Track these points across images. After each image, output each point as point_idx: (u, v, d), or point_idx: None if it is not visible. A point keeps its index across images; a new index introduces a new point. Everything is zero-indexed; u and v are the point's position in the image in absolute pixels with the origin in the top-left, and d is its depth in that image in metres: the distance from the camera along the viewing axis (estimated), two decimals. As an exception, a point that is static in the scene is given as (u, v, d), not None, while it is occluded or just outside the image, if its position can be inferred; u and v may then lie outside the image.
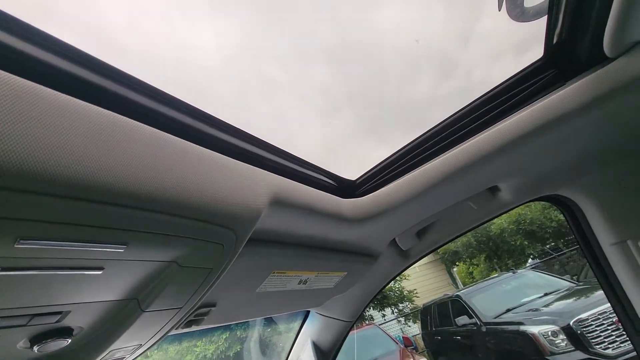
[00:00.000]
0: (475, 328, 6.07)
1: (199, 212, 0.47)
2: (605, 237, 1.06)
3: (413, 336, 11.16)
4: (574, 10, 0.67)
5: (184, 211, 0.45)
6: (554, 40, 0.75)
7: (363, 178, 0.97)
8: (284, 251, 0.81)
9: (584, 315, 4.35)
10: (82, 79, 0.46)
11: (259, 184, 0.60)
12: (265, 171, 0.65)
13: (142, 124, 0.44)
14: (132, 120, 0.43)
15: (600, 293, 4.85)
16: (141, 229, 0.42)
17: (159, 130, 0.46)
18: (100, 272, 0.43)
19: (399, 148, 0.93)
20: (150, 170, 0.41)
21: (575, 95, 0.73)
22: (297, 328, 1.61)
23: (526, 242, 10.35)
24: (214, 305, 0.79)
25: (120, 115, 0.42)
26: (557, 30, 0.73)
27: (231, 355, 5.46)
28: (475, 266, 12.81)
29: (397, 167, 0.93)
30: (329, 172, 0.92)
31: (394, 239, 1.18)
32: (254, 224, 0.59)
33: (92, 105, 0.39)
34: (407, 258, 1.28)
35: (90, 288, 0.45)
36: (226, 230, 0.54)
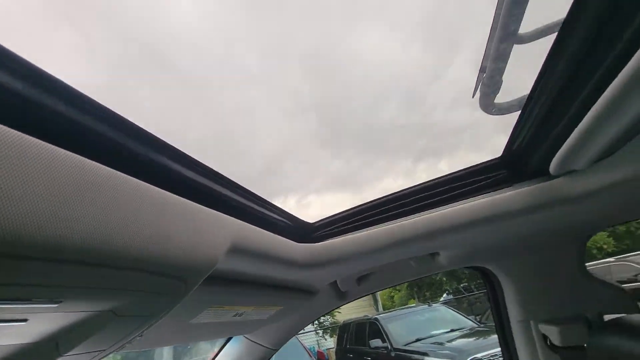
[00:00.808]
0: (385, 352, 6.42)
1: (147, 265, 0.43)
2: (514, 313, 1.21)
3: (327, 349, 11.41)
4: (535, 131, 0.77)
5: (130, 264, 0.41)
6: (514, 148, 0.85)
7: (321, 223, 0.99)
8: (225, 289, 0.79)
9: (479, 355, 4.86)
10: None
11: (218, 232, 0.58)
12: (226, 216, 0.62)
13: (75, 155, 0.36)
14: (62, 149, 0.34)
15: (495, 336, 5.48)
16: (79, 284, 0.37)
17: (103, 166, 0.39)
18: (23, 324, 0.38)
19: (359, 203, 0.96)
20: (92, 218, 0.35)
21: (517, 198, 0.83)
22: (219, 345, 1.55)
23: (445, 279, 11.30)
24: (140, 335, 0.74)
25: (42, 142, 0.33)
26: (518, 141, 0.82)
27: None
28: (397, 291, 13.59)
29: (354, 222, 0.96)
30: (288, 214, 0.92)
31: (335, 280, 1.21)
32: (208, 273, 0.56)
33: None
34: (343, 298, 1.31)
35: (3, 334, 0.40)
36: (176, 281, 0.51)
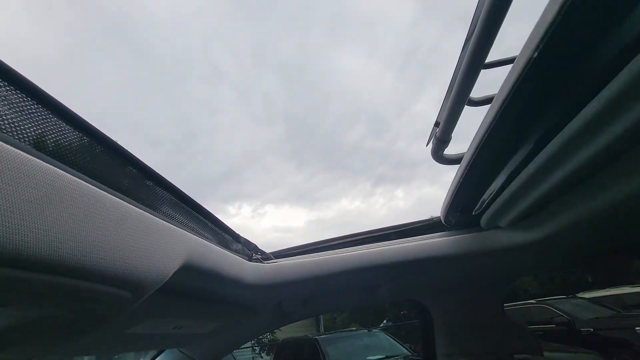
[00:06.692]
0: (320, 374, 6.35)
1: (99, 276, 0.43)
2: (441, 346, 1.31)
3: (262, 368, 11.01)
4: (473, 191, 0.88)
5: (81, 274, 0.40)
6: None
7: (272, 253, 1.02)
8: (168, 301, 0.78)
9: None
10: None
11: (174, 246, 0.59)
12: (183, 230, 0.64)
13: (33, 158, 0.34)
14: (21, 151, 0.33)
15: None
16: (25, 291, 0.37)
17: (64, 173, 0.38)
18: None
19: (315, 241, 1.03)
20: (46, 228, 0.34)
21: (449, 244, 0.94)
22: (145, 356, 1.47)
23: (386, 305, 11.61)
24: (72, 343, 0.70)
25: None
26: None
27: None
28: (340, 313, 13.65)
29: (305, 246, 1.01)
30: (243, 238, 0.95)
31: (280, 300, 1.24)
32: (157, 287, 0.57)
33: None
34: (285, 319, 1.33)
35: None
36: (124, 292, 0.51)
